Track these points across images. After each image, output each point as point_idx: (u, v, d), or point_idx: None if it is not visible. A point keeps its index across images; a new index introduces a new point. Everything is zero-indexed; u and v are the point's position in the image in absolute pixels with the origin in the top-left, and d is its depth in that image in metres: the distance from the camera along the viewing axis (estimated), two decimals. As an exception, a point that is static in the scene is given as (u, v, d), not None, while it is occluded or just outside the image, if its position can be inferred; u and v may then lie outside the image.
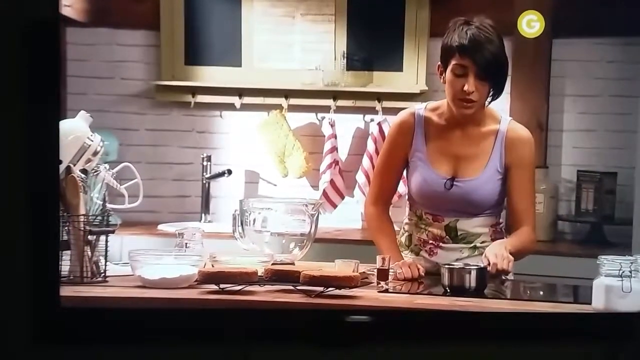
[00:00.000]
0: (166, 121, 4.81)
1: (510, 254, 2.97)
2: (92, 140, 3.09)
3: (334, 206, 4.75)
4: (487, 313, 2.72)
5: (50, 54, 2.68)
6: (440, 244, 3.15)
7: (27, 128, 2.66)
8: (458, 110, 3.05)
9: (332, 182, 4.73)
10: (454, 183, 3.09)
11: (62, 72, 4.59)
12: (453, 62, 3.00)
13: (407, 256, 3.20)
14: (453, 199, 3.10)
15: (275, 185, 4.84)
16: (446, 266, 2.90)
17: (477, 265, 2.89)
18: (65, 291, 2.72)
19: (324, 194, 4.72)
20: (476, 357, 2.77)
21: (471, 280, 2.85)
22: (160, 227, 4.52)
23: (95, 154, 3.10)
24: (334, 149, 4.74)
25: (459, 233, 3.14)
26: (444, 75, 3.05)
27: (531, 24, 3.82)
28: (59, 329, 2.66)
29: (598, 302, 2.59)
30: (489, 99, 3.08)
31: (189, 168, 4.82)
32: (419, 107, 3.17)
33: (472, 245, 3.14)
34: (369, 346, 2.74)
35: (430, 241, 3.16)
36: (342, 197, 4.76)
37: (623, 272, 2.51)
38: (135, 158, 4.74)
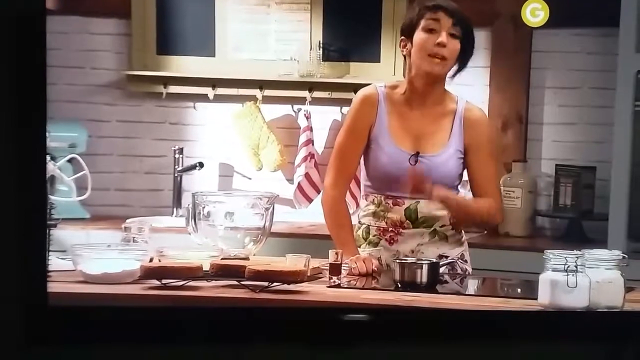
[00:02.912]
0: (138, 112, 4.71)
1: (459, 204, 3.05)
2: (37, 131, 2.99)
3: (310, 200, 4.65)
4: (469, 312, 2.64)
5: (36, 46, 2.59)
6: (401, 230, 3.12)
7: (15, 127, 2.58)
8: (429, 67, 3.07)
9: (307, 175, 4.63)
10: (419, 158, 3.08)
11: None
12: (425, 19, 3.06)
13: (366, 249, 3.15)
14: None
15: (250, 178, 4.74)
16: (397, 261, 2.86)
17: (429, 260, 2.85)
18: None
19: (299, 187, 4.62)
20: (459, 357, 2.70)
21: (422, 275, 2.79)
22: (128, 221, 4.41)
23: (40, 144, 2.99)
24: (310, 141, 4.63)
25: (419, 216, 3.10)
26: (408, 45, 3.09)
27: (535, 12, 3.74)
28: (48, 329, 2.57)
29: (544, 297, 2.53)
30: (454, 69, 3.10)
31: (162, 161, 4.71)
32: (379, 84, 3.19)
33: (432, 229, 3.11)
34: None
35: (390, 229, 3.12)
36: (318, 192, 4.64)
37: (568, 266, 2.45)
38: (106, 150, 4.67)
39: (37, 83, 2.55)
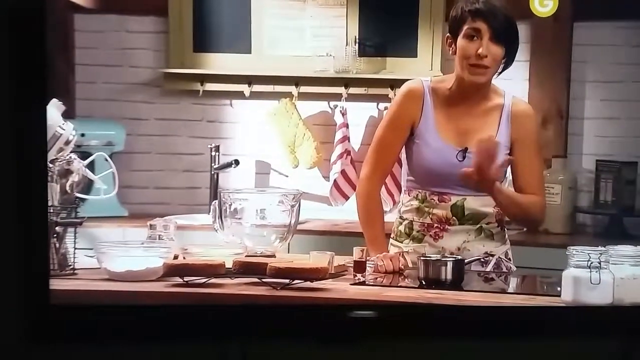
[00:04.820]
0: (175, 110, 4.70)
1: (509, 197, 2.98)
2: (63, 129, 2.99)
3: (346, 197, 4.60)
4: (484, 307, 2.61)
5: (34, 42, 2.59)
6: (446, 226, 3.07)
7: (13, 125, 2.58)
8: (469, 77, 3.00)
9: (343, 172, 4.58)
10: (467, 154, 3.02)
11: (70, 60, 4.57)
12: (466, 26, 2.99)
13: (410, 245, 3.10)
14: None
15: (286, 176, 4.70)
16: (422, 258, 2.80)
17: (454, 257, 2.80)
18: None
19: (335, 185, 4.58)
20: (473, 353, 2.69)
21: (447, 272, 2.74)
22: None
23: (67, 143, 2.99)
24: (346, 138, 4.59)
25: (466, 213, 3.05)
26: (453, 46, 3.02)
27: (544, 2, 3.66)
28: (48, 326, 2.57)
29: (566, 294, 2.48)
30: (499, 69, 3.03)
31: (199, 159, 4.70)
32: (424, 79, 3.13)
33: (478, 226, 3.06)
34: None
35: (436, 225, 3.07)
36: (354, 189, 4.55)
37: (592, 263, 2.39)
38: (144, 148, 4.67)
39: (37, 77, 2.54)
